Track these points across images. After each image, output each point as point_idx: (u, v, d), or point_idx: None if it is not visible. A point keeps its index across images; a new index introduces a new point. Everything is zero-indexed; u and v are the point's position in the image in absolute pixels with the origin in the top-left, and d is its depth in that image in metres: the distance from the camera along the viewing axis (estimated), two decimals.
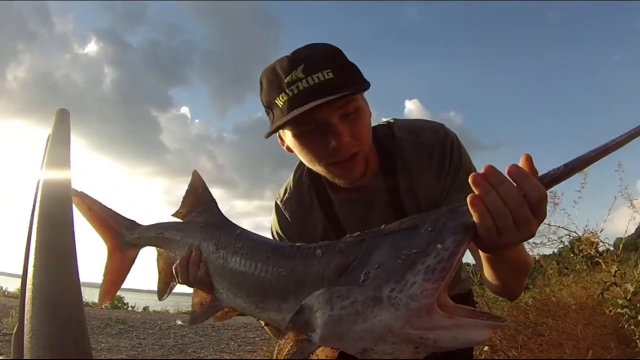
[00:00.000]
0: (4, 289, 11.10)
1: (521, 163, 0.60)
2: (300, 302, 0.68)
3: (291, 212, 1.13)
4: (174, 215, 1.03)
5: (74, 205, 0.71)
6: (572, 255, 3.88)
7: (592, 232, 3.00)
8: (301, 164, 1.12)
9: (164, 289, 1.04)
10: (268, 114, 0.97)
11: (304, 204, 1.12)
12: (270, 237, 1.18)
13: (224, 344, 5.95)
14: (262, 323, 1.08)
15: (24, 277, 0.60)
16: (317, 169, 0.97)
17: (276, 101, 0.90)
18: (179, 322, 7.71)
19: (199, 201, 1.01)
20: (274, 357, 0.67)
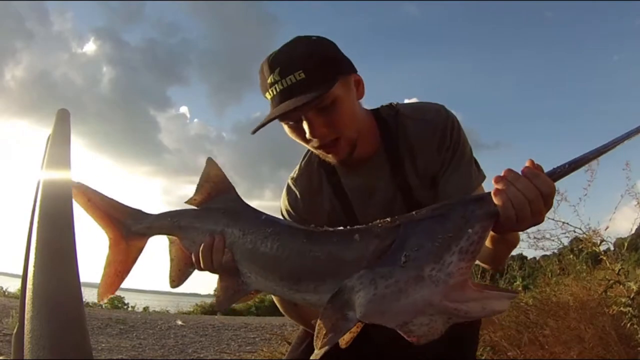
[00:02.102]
0: (4, 289, 11.12)
1: (528, 165, 0.72)
2: (338, 283, 0.74)
3: (301, 189, 1.19)
4: (188, 202, 1.01)
5: (72, 198, 0.70)
6: (571, 256, 3.87)
7: (594, 230, 2.99)
8: None
9: (177, 276, 1.01)
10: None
11: (313, 182, 1.19)
12: (280, 217, 1.20)
13: (224, 344, 5.96)
14: (275, 298, 1.09)
15: (24, 277, 0.60)
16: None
17: (266, 96, 1.01)
18: (179, 322, 7.73)
19: (216, 187, 0.99)
20: (315, 335, 0.72)
